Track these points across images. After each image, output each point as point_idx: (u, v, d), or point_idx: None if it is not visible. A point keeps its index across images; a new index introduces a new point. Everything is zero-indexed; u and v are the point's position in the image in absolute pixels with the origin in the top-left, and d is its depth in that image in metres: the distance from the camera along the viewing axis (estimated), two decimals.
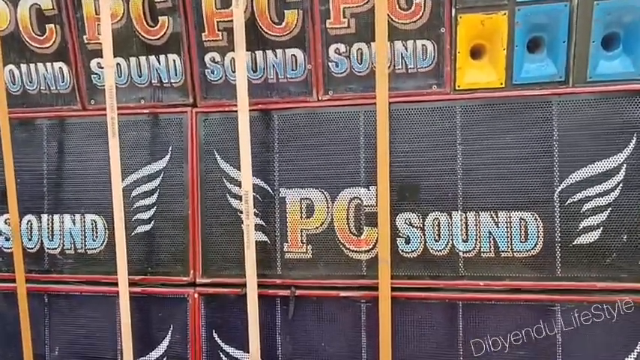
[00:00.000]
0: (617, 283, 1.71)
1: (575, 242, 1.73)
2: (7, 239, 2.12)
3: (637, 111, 1.69)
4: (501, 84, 1.77)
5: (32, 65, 2.06)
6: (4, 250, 2.12)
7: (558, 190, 1.73)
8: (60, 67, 2.03)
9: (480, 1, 1.73)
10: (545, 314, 1.75)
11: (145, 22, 1.94)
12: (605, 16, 1.69)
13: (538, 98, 1.73)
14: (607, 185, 1.71)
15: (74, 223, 2.05)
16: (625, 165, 1.70)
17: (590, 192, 1.72)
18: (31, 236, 2.08)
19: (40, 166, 2.07)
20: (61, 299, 2.06)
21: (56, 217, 2.06)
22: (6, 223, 2.11)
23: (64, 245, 2.07)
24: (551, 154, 1.73)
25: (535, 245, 1.75)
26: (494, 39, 1.75)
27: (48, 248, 2.08)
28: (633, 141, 1.69)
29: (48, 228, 2.07)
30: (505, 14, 1.71)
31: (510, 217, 1.75)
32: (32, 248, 2.08)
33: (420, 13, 1.77)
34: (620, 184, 1.71)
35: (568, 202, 1.73)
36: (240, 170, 1.88)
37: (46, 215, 2.07)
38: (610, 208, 1.71)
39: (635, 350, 1.69)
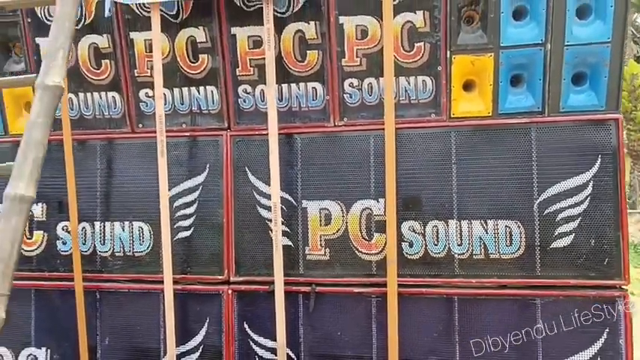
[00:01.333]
0: (587, 280, 2.03)
1: (551, 246, 2.05)
2: (64, 243, 2.43)
3: (601, 136, 2.02)
4: (489, 113, 2.11)
5: (89, 94, 2.40)
6: (62, 253, 2.44)
7: (537, 202, 2.06)
8: (113, 96, 2.37)
9: (470, 45, 2.07)
10: (527, 307, 2.06)
11: (187, 59, 2.28)
12: (574, 59, 2.03)
13: (519, 125, 2.07)
14: (577, 198, 2.04)
15: (123, 230, 2.37)
16: (592, 181, 2.03)
17: (563, 204, 2.05)
18: (85, 241, 2.40)
19: (94, 181, 2.39)
20: (111, 296, 2.37)
21: (107, 224, 2.38)
22: (63, 230, 2.43)
23: (114, 249, 2.38)
24: (531, 171, 2.06)
25: (518, 249, 2.07)
26: (483, 76, 2.09)
27: (100, 251, 2.39)
28: (598, 161, 2.02)
29: (100, 233, 2.39)
30: (491, 56, 2.06)
31: (497, 225, 2.07)
32: (86, 251, 2.40)
33: (421, 54, 2.11)
34: (589, 197, 2.03)
35: (545, 212, 2.05)
36: (267, 184, 2.21)
37: (98, 223, 2.39)
38: (580, 218, 2.04)
39: (603, 336, 2.00)
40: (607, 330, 2.00)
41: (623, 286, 2.02)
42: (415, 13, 2.08)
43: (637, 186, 11.86)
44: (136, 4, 2.22)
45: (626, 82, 9.93)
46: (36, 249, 2.47)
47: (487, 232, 2.08)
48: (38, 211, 2.47)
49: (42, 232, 2.46)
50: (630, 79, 10.95)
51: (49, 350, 2.45)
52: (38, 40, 2.40)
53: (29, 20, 2.39)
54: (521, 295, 2.06)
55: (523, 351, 2.05)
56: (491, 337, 2.07)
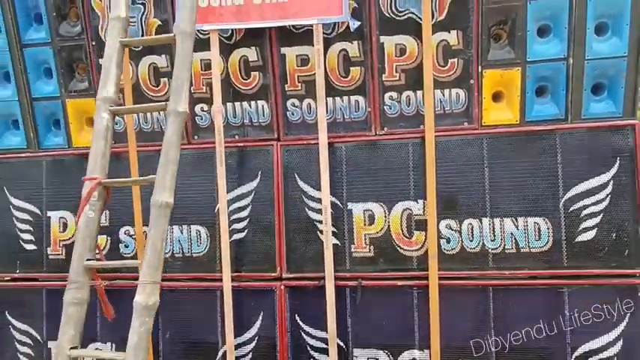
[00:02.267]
0: (609, 270, 2.24)
1: (576, 240, 2.27)
2: (127, 246, 2.65)
3: (619, 140, 2.24)
4: (517, 121, 2.33)
5: None
6: (124, 255, 2.65)
7: (563, 201, 2.28)
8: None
9: (499, 61, 2.30)
10: (556, 296, 2.28)
11: (240, 76, 2.51)
12: (594, 71, 2.25)
13: (545, 132, 2.29)
14: (599, 196, 2.26)
15: (182, 233, 2.59)
16: (612, 181, 2.25)
17: (586, 201, 2.27)
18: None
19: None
20: (172, 293, 2.58)
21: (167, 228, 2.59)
22: (125, 234, 2.65)
23: (173, 250, 2.60)
24: (556, 173, 2.28)
25: (546, 243, 2.29)
26: (511, 88, 2.32)
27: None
28: (617, 163, 2.24)
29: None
30: (518, 70, 2.29)
31: (527, 222, 2.29)
32: None
33: (455, 69, 2.34)
34: (609, 195, 2.25)
35: (570, 209, 2.27)
36: (315, 189, 2.43)
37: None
38: (602, 214, 2.26)
39: (625, 320, 2.21)
40: (629, 314, 2.21)
41: None
42: (449, 32, 2.31)
43: None
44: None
45: None
46: (101, 251, 2.68)
47: (518, 229, 2.30)
48: (102, 217, 2.68)
49: (106, 236, 2.68)
50: None
51: (113, 345, 2.66)
52: (101, 61, 2.62)
53: (94, 43, 2.61)
54: (550, 284, 2.28)
55: (553, 336, 2.26)
56: (523, 323, 2.28)
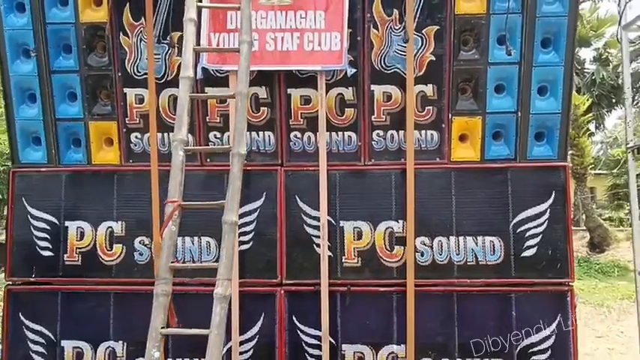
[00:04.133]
0: (546, 279, 2.84)
1: (522, 255, 2.86)
2: (141, 254, 2.98)
3: (554, 177, 2.87)
4: (478, 159, 2.91)
5: (165, 134, 2.99)
6: (139, 262, 2.98)
7: (512, 224, 2.87)
8: (191, 138, 2.98)
9: (465, 110, 2.88)
10: (505, 300, 2.84)
11: (251, 110, 2.95)
12: (536, 123, 2.88)
13: (499, 168, 2.89)
14: (539, 221, 2.87)
15: (193, 243, 2.96)
16: (549, 209, 2.87)
17: (530, 225, 2.87)
18: None
19: None
20: (184, 296, 2.91)
21: (179, 239, 2.96)
22: (140, 243, 2.99)
23: (184, 259, 2.96)
24: (507, 201, 2.87)
25: (499, 257, 2.86)
26: (474, 132, 2.90)
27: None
28: (553, 195, 2.86)
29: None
30: (480, 118, 2.88)
31: (485, 240, 2.86)
32: None
33: (430, 115, 2.90)
34: (547, 221, 2.87)
35: (517, 230, 2.87)
36: (313, 208, 2.90)
37: None
38: (541, 235, 2.86)
39: (557, 319, 2.81)
40: (560, 314, 2.81)
41: (570, 283, 2.84)
42: (427, 85, 2.87)
43: (580, 205, 13.18)
44: (213, 70, 2.87)
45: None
46: (115, 259, 3.00)
47: (477, 245, 2.86)
48: (118, 228, 3.01)
49: (121, 245, 3.00)
50: (572, 109, 12.31)
51: (125, 343, 2.97)
52: (126, 90, 2.99)
53: (120, 74, 2.97)
54: (501, 291, 2.85)
55: (502, 330, 2.82)
56: (481, 322, 2.83)
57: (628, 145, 3.51)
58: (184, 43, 2.35)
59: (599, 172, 17.18)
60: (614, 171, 14.97)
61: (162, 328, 2.01)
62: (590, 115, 13.22)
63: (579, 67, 14.09)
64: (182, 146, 2.21)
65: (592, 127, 15.35)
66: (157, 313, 2.02)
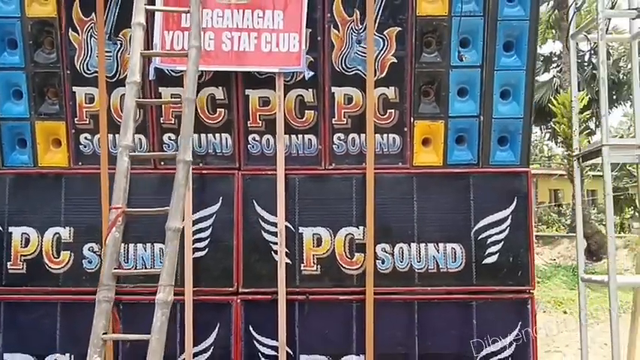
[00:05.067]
0: (507, 287, 3.19)
1: (483, 262, 3.20)
2: (90, 262, 3.23)
3: (516, 183, 3.22)
4: (440, 163, 3.25)
5: (117, 135, 3.24)
6: (87, 270, 3.22)
7: (473, 230, 3.20)
8: (140, 138, 3.24)
9: (427, 114, 3.21)
10: (466, 307, 3.18)
11: (206, 111, 3.22)
12: (499, 126, 3.23)
13: (462, 174, 3.23)
14: (501, 227, 3.21)
15: (145, 250, 3.22)
16: (511, 215, 3.21)
17: (491, 232, 3.21)
18: None
19: None
20: (135, 306, 3.16)
21: (131, 246, 3.21)
22: (89, 250, 3.23)
23: (137, 266, 3.22)
24: (469, 207, 3.21)
25: (460, 264, 3.20)
26: (436, 136, 3.23)
27: (125, 268, 3.21)
28: (515, 201, 3.21)
29: (124, 254, 3.21)
30: (442, 122, 3.21)
31: (446, 247, 3.19)
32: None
33: (392, 118, 3.22)
34: (509, 227, 3.21)
35: (479, 237, 3.20)
36: (271, 214, 3.19)
37: (122, 244, 3.21)
38: (503, 242, 3.20)
39: (517, 326, 3.15)
40: (520, 322, 3.15)
41: (530, 290, 3.19)
42: (388, 88, 3.19)
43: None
44: (167, 69, 3.14)
45: (566, 109, 10.97)
46: (63, 267, 3.23)
47: (438, 252, 3.19)
48: (66, 234, 3.24)
49: (69, 252, 3.24)
50: (569, 105, 12.16)
51: (72, 356, 3.20)
52: (75, 88, 3.23)
53: (69, 72, 3.22)
54: (462, 299, 3.18)
55: (463, 339, 3.15)
56: (442, 330, 3.16)
57: None
58: (132, 48, 2.62)
59: (600, 173, 17.67)
60: (615, 173, 15.57)
61: (104, 333, 2.26)
62: (589, 112, 13.64)
63: (579, 61, 14.60)
64: (127, 152, 2.49)
65: (592, 125, 15.81)
66: (98, 319, 2.31)
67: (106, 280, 2.35)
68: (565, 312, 7.33)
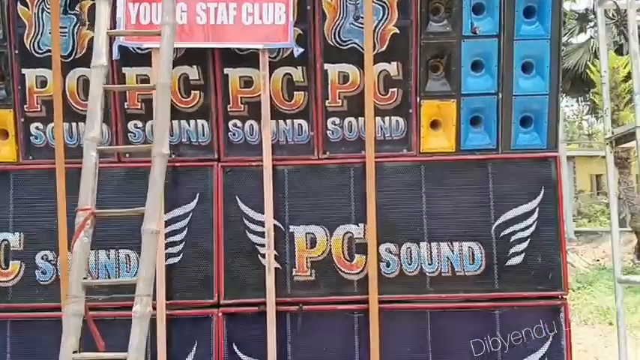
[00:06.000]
0: (535, 292, 3.24)
1: (507, 264, 3.25)
2: (44, 273, 3.28)
3: (543, 170, 3.28)
4: (453, 149, 3.31)
5: (74, 124, 3.31)
6: (41, 282, 3.28)
7: (494, 226, 3.26)
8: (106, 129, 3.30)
9: (436, 93, 3.28)
10: (488, 317, 3.23)
11: (179, 94, 3.29)
12: (521, 105, 3.29)
13: (478, 160, 3.29)
14: (527, 222, 3.27)
15: (108, 257, 3.27)
16: (538, 208, 3.27)
17: (515, 228, 3.27)
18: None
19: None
20: (97, 323, 3.22)
21: (92, 252, 3.27)
22: (43, 259, 3.29)
23: (99, 275, 3.27)
24: (488, 199, 3.27)
25: (480, 266, 3.25)
26: (447, 118, 3.30)
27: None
28: (542, 191, 3.27)
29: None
30: (454, 102, 3.28)
31: (462, 246, 3.25)
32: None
33: (395, 98, 3.29)
34: (536, 222, 3.27)
35: (501, 235, 3.26)
36: (257, 211, 3.25)
37: None
38: (529, 239, 3.26)
39: (550, 339, 3.20)
40: (553, 333, 3.21)
41: (563, 296, 3.25)
42: (390, 63, 3.26)
43: (624, 200, 13.02)
44: (132, 47, 3.20)
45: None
46: (12, 279, 3.29)
47: (453, 253, 3.25)
48: (15, 240, 3.30)
49: (19, 262, 3.29)
50: (611, 73, 11.12)
51: None
52: (24, 70, 3.30)
53: (17, 52, 3.28)
54: (483, 307, 3.23)
55: (486, 356, 3.20)
56: (459, 344, 3.21)
57: None
58: (96, 27, 2.69)
59: None
60: None
61: (74, 352, 2.32)
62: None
63: (618, 18, 14.41)
64: (95, 146, 2.54)
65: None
66: (67, 336, 2.34)
67: (75, 291, 2.41)
68: (611, 323, 7.32)
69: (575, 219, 15.75)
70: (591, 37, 16.42)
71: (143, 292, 2.39)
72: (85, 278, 2.45)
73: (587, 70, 12.77)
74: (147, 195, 2.50)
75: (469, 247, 3.26)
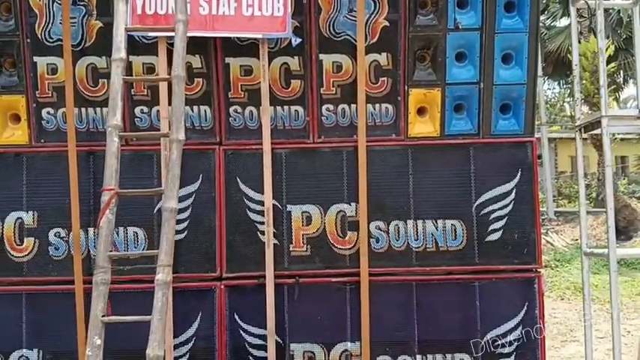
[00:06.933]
0: (512, 265, 3.58)
1: (486, 240, 3.58)
2: (57, 249, 3.54)
3: (520, 154, 3.60)
4: (437, 134, 3.61)
5: (83, 109, 3.55)
6: (54, 257, 3.54)
7: (475, 205, 3.58)
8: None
9: (423, 82, 3.57)
10: (468, 288, 3.56)
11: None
12: (501, 93, 3.60)
13: (461, 144, 3.60)
14: (504, 202, 3.59)
15: (117, 235, 3.54)
16: (515, 189, 3.59)
17: (494, 206, 3.59)
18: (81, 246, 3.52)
19: (88, 189, 3.53)
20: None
21: None
22: (56, 236, 3.54)
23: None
24: (469, 181, 3.58)
25: (461, 242, 3.58)
26: (432, 105, 3.60)
27: (94, 255, 3.52)
28: (519, 174, 3.59)
29: (94, 239, 3.53)
30: (439, 90, 3.57)
31: (445, 223, 3.57)
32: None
33: (385, 86, 3.57)
34: (513, 201, 3.59)
35: (481, 213, 3.58)
36: (256, 191, 3.53)
37: (92, 229, 3.53)
38: (507, 217, 3.59)
39: (524, 308, 3.55)
40: (527, 303, 3.55)
41: (537, 269, 3.59)
42: (380, 54, 3.54)
43: (604, 181, 13.33)
44: (138, 36, 3.44)
45: (587, 61, 10.95)
46: (27, 255, 3.54)
47: (437, 229, 3.57)
48: (29, 219, 3.55)
49: (33, 238, 3.55)
50: (592, 57, 11.05)
51: (40, 351, 3.53)
52: (36, 58, 3.52)
53: (29, 40, 3.50)
54: (464, 279, 3.56)
55: (466, 323, 3.54)
56: (442, 313, 3.54)
57: None
58: (115, 23, 2.95)
59: (629, 136, 17.09)
60: None
61: (102, 316, 2.62)
62: (614, 64, 13.47)
63: (589, 16, 14.78)
64: (117, 132, 2.83)
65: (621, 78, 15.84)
66: (97, 302, 2.70)
67: (102, 263, 2.74)
68: (597, 297, 7.79)
69: (555, 199, 16.15)
70: (582, 17, 16.64)
71: (165, 263, 2.72)
72: (111, 251, 2.72)
73: (569, 54, 13.03)
74: (166, 176, 2.79)
75: (452, 225, 3.57)
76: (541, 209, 13.12)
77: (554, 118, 22.22)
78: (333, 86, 3.57)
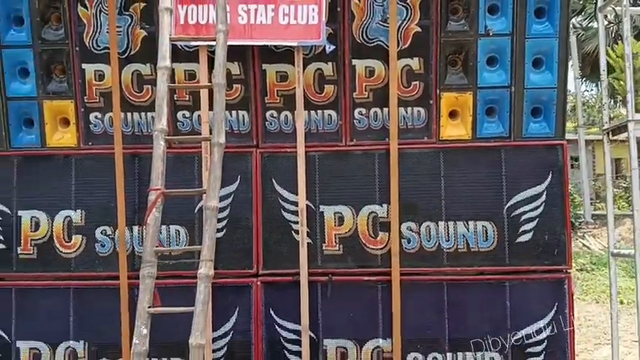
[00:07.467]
0: (543, 266, 3.64)
1: (516, 241, 3.65)
2: (103, 245, 3.75)
3: (551, 157, 3.66)
4: (469, 137, 3.70)
5: (129, 114, 3.74)
6: (100, 254, 3.74)
7: (506, 207, 3.66)
8: (152, 116, 3.73)
9: (454, 85, 3.67)
10: (499, 288, 3.64)
11: None
12: (532, 97, 3.67)
13: (492, 147, 3.68)
14: (535, 204, 3.66)
15: (161, 232, 3.72)
16: (546, 191, 3.66)
17: (525, 208, 3.66)
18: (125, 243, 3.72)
19: (134, 190, 3.72)
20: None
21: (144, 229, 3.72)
22: (102, 233, 3.75)
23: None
24: (501, 183, 3.66)
25: (492, 243, 3.65)
26: (464, 108, 3.69)
27: (138, 252, 3.72)
28: (550, 176, 3.65)
29: (139, 236, 3.72)
30: (470, 94, 3.66)
31: (476, 225, 3.65)
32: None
33: (417, 90, 3.68)
34: (543, 203, 3.66)
35: (512, 215, 3.66)
36: (291, 192, 3.67)
37: (136, 227, 3.72)
38: (538, 219, 3.65)
39: (554, 308, 3.61)
40: (557, 303, 3.61)
41: (568, 270, 3.65)
42: (412, 59, 3.65)
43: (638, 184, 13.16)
44: (180, 44, 3.62)
45: (624, 63, 10.80)
46: (75, 251, 3.75)
47: (468, 231, 3.65)
48: (77, 217, 3.76)
49: (81, 236, 3.75)
50: (632, 58, 11.60)
51: (86, 343, 3.73)
52: (84, 65, 3.73)
53: (77, 49, 3.72)
54: (495, 279, 3.64)
55: (496, 322, 3.62)
56: (473, 312, 3.62)
57: None
58: (160, 33, 3.15)
59: None
60: None
61: (149, 307, 2.80)
62: None
63: (616, 22, 14.59)
64: (163, 136, 3.02)
65: None
66: (144, 294, 2.90)
67: (149, 257, 2.96)
68: (622, 302, 7.74)
69: (592, 202, 15.91)
70: (610, 23, 16.48)
71: (207, 257, 2.92)
72: (156, 246, 2.90)
73: (607, 56, 12.87)
74: (208, 177, 2.99)
75: (483, 226, 3.66)
76: (578, 212, 13.16)
77: (593, 120, 21.83)
78: (365, 90, 3.69)
